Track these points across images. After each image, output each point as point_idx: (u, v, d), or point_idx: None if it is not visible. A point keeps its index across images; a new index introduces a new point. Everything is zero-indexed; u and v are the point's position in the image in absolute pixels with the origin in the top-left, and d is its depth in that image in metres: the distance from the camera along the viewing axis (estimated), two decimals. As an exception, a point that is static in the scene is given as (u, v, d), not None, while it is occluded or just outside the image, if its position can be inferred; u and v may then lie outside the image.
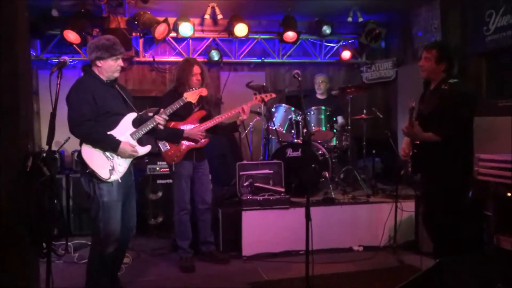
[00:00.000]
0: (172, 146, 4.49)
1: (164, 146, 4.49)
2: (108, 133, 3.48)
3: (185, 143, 4.50)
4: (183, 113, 4.46)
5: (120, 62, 3.55)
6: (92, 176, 3.44)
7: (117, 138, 3.48)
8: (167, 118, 3.70)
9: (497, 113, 5.06)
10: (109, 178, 3.44)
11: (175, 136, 4.45)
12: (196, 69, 4.51)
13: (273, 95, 4.82)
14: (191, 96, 4.00)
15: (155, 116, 3.65)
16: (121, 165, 3.53)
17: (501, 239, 4.19)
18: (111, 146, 3.45)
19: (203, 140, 4.55)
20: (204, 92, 4.09)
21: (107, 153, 3.47)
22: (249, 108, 4.61)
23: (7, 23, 3.03)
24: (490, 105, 5.27)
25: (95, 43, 3.51)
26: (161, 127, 3.69)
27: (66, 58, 3.18)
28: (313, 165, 5.44)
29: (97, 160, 3.44)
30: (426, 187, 4.02)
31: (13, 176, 2.95)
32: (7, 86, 3.02)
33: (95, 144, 3.44)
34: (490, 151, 4.40)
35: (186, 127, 4.52)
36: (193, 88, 4.08)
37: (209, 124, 4.54)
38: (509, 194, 4.12)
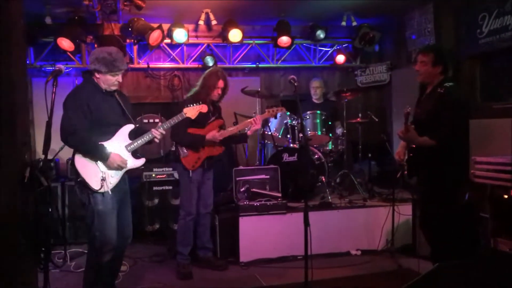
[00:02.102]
0: (191, 152, 4.53)
1: (183, 152, 4.52)
2: (103, 143, 3.45)
3: (204, 150, 4.55)
4: (201, 121, 4.51)
5: (118, 78, 3.51)
6: (83, 185, 3.41)
7: (110, 149, 3.45)
8: (164, 132, 3.69)
9: (492, 115, 5.08)
10: (100, 188, 3.41)
11: (197, 142, 4.51)
12: (220, 83, 4.60)
13: (284, 110, 5.00)
14: (190, 111, 3.94)
15: (152, 130, 3.62)
16: (113, 177, 3.50)
17: (498, 241, 4.20)
18: (101, 157, 3.42)
19: (218, 148, 4.65)
20: (204, 108, 4.07)
21: (100, 164, 3.44)
22: (262, 119, 4.77)
23: (2, 33, 3.00)
24: (485, 107, 5.31)
25: (96, 54, 3.46)
26: (157, 141, 3.67)
27: (61, 66, 3.17)
28: (311, 171, 5.44)
29: (89, 170, 3.42)
30: (422, 191, 4.03)
31: (12, 186, 2.92)
32: (4, 96, 2.99)
33: (85, 153, 3.41)
34: (485, 154, 4.41)
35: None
36: (194, 104, 4.05)
37: (229, 132, 4.63)
38: (506, 196, 4.13)
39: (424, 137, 3.68)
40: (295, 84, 3.81)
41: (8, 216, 2.90)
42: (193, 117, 3.97)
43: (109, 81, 3.48)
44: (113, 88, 3.55)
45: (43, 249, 3.04)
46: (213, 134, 4.52)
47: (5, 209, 2.93)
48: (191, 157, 4.52)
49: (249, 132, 4.75)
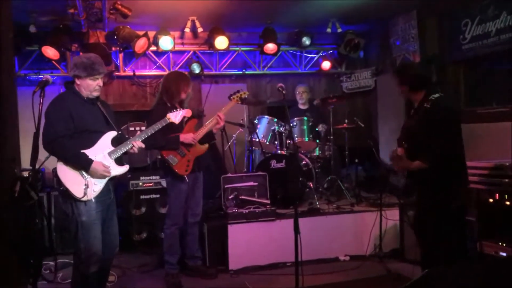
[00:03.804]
0: (179, 158, 4.48)
1: (173, 160, 4.47)
2: (85, 151, 3.41)
3: (190, 152, 4.51)
4: (174, 124, 4.40)
5: (99, 82, 3.49)
6: (66, 194, 3.36)
7: (93, 156, 3.42)
8: (143, 146, 3.64)
9: (476, 120, 5.17)
10: (83, 196, 3.35)
11: (173, 143, 4.45)
12: (189, 84, 4.60)
13: (247, 93, 4.93)
14: (174, 117, 3.95)
15: (133, 142, 3.57)
16: (96, 184, 3.44)
17: (484, 244, 4.26)
18: (82, 165, 3.37)
19: (202, 147, 4.57)
20: (188, 113, 4.08)
21: (83, 171, 3.41)
22: (224, 114, 4.68)
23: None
24: (469, 112, 5.39)
25: (75, 60, 3.48)
26: (135, 150, 3.62)
27: (48, 76, 3.14)
28: (301, 178, 5.44)
29: (72, 178, 3.36)
30: (417, 195, 4.01)
31: (2, 201, 2.86)
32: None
33: (67, 161, 3.37)
34: (470, 158, 4.48)
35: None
36: (177, 109, 4.06)
37: (204, 131, 4.58)
38: (491, 200, 4.19)
39: (416, 162, 3.65)
40: (283, 92, 3.83)
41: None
42: (177, 122, 3.95)
43: (90, 86, 3.45)
44: (95, 93, 3.52)
45: (32, 263, 3.00)
46: (191, 136, 4.48)
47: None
48: (181, 162, 4.48)
49: (214, 130, 4.71)
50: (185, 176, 4.47)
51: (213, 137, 4.92)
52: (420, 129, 3.65)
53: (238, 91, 4.93)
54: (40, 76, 6.19)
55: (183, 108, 4.56)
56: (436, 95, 3.62)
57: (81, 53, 6.10)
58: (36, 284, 2.82)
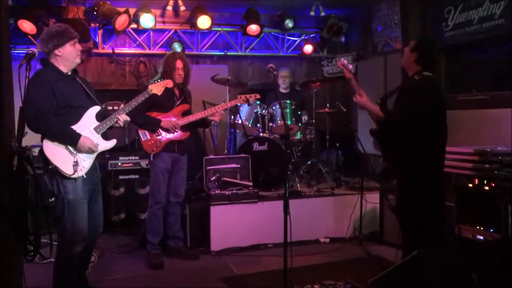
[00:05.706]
0: (152, 136, 4.43)
1: (144, 135, 4.43)
2: (71, 127, 3.34)
3: (165, 134, 4.45)
4: (166, 105, 4.45)
5: (78, 46, 3.43)
6: (55, 172, 3.28)
7: (80, 132, 3.35)
8: (128, 119, 3.58)
9: (456, 106, 5.26)
10: (73, 174, 3.29)
11: (152, 125, 4.41)
12: (179, 64, 4.50)
13: (258, 96, 4.91)
14: (156, 88, 3.86)
15: (117, 115, 3.50)
16: (86, 160, 3.39)
17: (462, 228, 4.38)
18: (70, 139, 3.30)
19: (181, 133, 4.51)
20: (169, 84, 4.01)
21: (71, 148, 3.32)
22: (222, 109, 4.68)
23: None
24: (450, 99, 5.47)
25: (47, 33, 3.38)
26: (121, 123, 3.55)
27: (34, 49, 3.03)
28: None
29: (60, 156, 3.29)
30: (398, 179, 4.06)
31: (1, 176, 2.75)
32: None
33: (53, 138, 3.29)
34: (450, 144, 4.57)
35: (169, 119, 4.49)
36: (158, 80, 3.99)
37: (189, 119, 4.53)
38: (470, 185, 4.30)
39: (376, 107, 3.76)
40: (274, 73, 3.80)
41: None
42: (159, 93, 3.87)
43: (72, 53, 3.37)
44: (77, 60, 3.44)
45: (31, 239, 2.94)
46: (172, 124, 4.43)
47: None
48: (152, 140, 4.44)
49: (209, 118, 4.68)
50: (151, 155, 4.44)
51: (207, 124, 4.88)
52: (400, 93, 3.74)
53: (247, 92, 4.98)
54: (15, 51, 5.96)
55: (184, 92, 4.58)
56: (429, 74, 3.69)
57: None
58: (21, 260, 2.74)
